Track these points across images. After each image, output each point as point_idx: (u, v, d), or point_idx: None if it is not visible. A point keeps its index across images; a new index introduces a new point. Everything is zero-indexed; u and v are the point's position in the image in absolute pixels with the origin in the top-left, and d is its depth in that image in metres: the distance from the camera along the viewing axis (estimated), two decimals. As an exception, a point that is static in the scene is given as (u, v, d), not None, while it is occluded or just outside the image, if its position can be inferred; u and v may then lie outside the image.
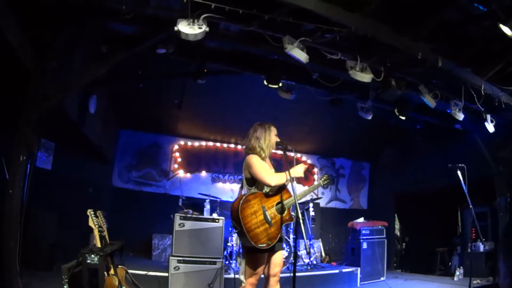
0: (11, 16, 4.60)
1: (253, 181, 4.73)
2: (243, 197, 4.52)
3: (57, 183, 8.26)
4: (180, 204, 9.60)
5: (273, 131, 4.98)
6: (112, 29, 6.09)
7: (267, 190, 4.73)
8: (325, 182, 5.36)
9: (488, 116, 8.10)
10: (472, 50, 6.62)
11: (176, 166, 12.08)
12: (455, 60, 6.52)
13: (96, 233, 5.18)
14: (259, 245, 4.39)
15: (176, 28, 4.99)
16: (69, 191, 8.57)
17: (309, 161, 13.65)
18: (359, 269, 9.51)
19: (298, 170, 4.74)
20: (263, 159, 4.84)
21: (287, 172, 4.62)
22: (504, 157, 9.20)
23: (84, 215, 5.20)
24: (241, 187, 4.88)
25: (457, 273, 9.88)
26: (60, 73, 5.55)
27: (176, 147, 12.18)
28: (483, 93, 7.12)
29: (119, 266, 5.89)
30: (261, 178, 4.59)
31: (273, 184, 4.55)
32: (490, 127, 8.18)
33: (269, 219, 4.53)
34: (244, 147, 5.10)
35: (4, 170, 5.23)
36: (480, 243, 9.61)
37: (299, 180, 11.90)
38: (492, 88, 7.31)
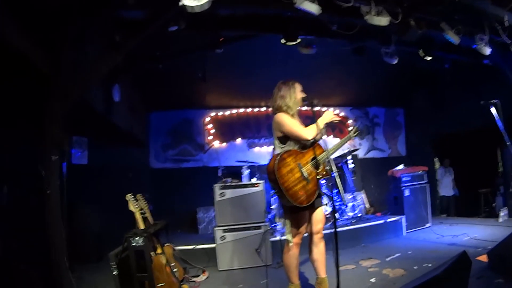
0: (16, 23, 4.61)
1: (285, 139, 4.72)
2: (278, 156, 4.49)
3: (95, 175, 8.44)
4: (219, 174, 9.66)
5: (298, 87, 4.95)
6: (121, 17, 6.05)
7: (299, 147, 4.71)
8: (355, 134, 5.27)
9: (516, 48, 7.84)
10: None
11: (210, 138, 12.17)
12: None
13: (138, 216, 5.26)
14: (299, 203, 4.40)
15: (180, 3, 4.95)
16: (108, 181, 8.72)
17: (342, 114, 13.53)
18: (403, 217, 9.47)
19: (326, 117, 4.70)
20: (291, 116, 4.83)
21: (316, 123, 4.60)
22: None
23: (126, 202, 5.29)
24: (274, 148, 4.86)
25: (502, 213, 9.72)
26: (76, 67, 5.58)
27: (207, 119, 12.24)
28: (506, 24, 6.87)
29: (166, 244, 6.01)
30: (296, 133, 4.59)
31: (310, 137, 4.55)
32: (519, 58, 7.92)
33: (306, 176, 4.52)
34: (270, 107, 5.07)
35: (41, 173, 5.31)
36: (524, 182, 9.39)
37: (335, 134, 11.86)
38: (515, 18, 7.05)
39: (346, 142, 5.24)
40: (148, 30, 5.86)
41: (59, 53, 5.33)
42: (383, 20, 5.98)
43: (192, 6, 4.94)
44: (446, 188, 12.13)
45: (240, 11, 6.73)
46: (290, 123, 4.64)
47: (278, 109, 4.84)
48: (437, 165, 13.10)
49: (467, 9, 6.49)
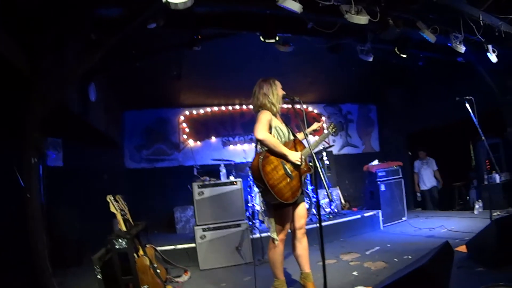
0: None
1: None
2: (261, 154, 4.50)
3: (71, 177, 8.29)
4: (195, 173, 9.63)
5: (278, 85, 4.98)
6: (99, 15, 5.97)
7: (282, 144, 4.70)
8: (333, 130, 5.38)
9: (490, 47, 8.03)
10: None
11: (185, 136, 12.11)
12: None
13: (119, 217, 5.22)
14: (285, 200, 4.42)
15: (164, 0, 4.91)
16: (85, 183, 8.63)
17: (315, 111, 13.69)
18: (380, 211, 9.64)
19: (291, 156, 4.61)
20: (274, 114, 4.87)
21: (288, 151, 4.58)
22: (511, 86, 9.12)
23: (104, 203, 5.23)
24: (256, 146, 4.84)
25: (477, 206, 9.99)
26: (55, 70, 5.50)
27: (182, 118, 12.17)
28: (482, 23, 7.03)
29: (147, 246, 5.97)
30: (254, 128, 4.56)
31: (259, 137, 4.49)
32: (493, 57, 8.12)
33: (289, 173, 4.55)
34: (252, 106, 5.04)
35: (18, 177, 5.23)
36: (496, 175, 9.64)
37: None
38: (490, 18, 7.23)
39: (325, 138, 5.28)
40: (127, 27, 5.80)
41: (39, 56, 5.26)
42: (362, 19, 6.04)
43: (175, 3, 4.92)
44: (425, 180, 12.20)
45: (219, 8, 6.70)
46: (261, 120, 4.63)
47: (262, 107, 4.83)
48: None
49: (443, 9, 6.63)
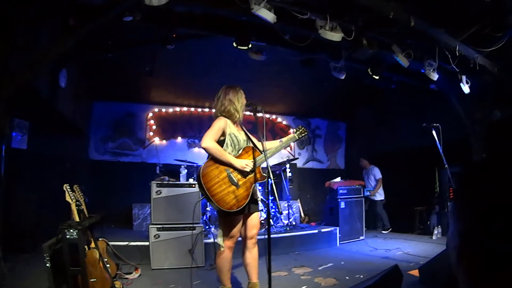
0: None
1: (221, 143, 4.69)
2: (205, 163, 4.52)
3: (33, 162, 8.19)
4: (157, 171, 9.59)
5: (243, 93, 4.99)
6: (78, 1, 5.91)
7: (235, 153, 4.71)
8: (301, 134, 5.27)
9: (464, 77, 8.18)
10: (447, 11, 6.60)
11: (151, 134, 12.06)
12: (428, 20, 6.50)
13: (73, 207, 5.13)
14: (228, 208, 4.41)
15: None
16: (46, 169, 8.49)
17: (284, 122, 13.77)
18: (338, 228, 9.67)
19: (237, 163, 4.58)
20: (235, 122, 4.90)
21: (233, 159, 4.56)
22: (480, 118, 9.30)
23: (64, 192, 5.15)
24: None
25: (435, 231, 10.16)
26: (27, 51, 5.43)
27: (150, 114, 12.13)
28: (457, 54, 7.16)
29: (100, 239, 5.91)
30: (204, 135, 4.55)
31: (203, 145, 4.47)
32: (466, 88, 8.28)
33: (235, 181, 4.53)
34: (214, 110, 5.02)
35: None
36: (457, 203, 9.75)
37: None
38: (467, 49, 7.35)
39: (289, 143, 5.25)
40: (104, 17, 5.73)
41: (12, 34, 5.16)
42: (335, 36, 6.10)
43: (150, -1, 4.90)
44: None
45: (197, 9, 6.69)
46: (214, 127, 4.64)
47: (225, 112, 4.83)
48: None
49: (421, 35, 6.72)
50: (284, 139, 5.17)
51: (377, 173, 11.87)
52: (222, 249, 4.73)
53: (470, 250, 0.90)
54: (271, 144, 4.99)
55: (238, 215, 4.64)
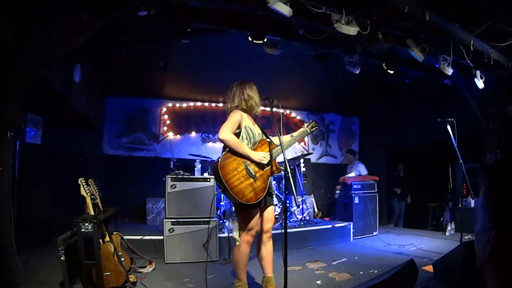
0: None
1: (238, 136, 4.69)
2: (222, 155, 4.52)
3: (47, 157, 8.25)
4: (171, 166, 9.60)
5: (256, 88, 5.02)
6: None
7: (250, 146, 4.72)
8: (313, 128, 5.28)
9: (478, 72, 8.09)
10: (461, 6, 6.54)
11: (165, 128, 12.08)
12: (443, 15, 6.45)
13: (88, 201, 5.15)
14: (246, 201, 4.40)
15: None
16: (60, 164, 8.56)
17: (298, 117, 13.74)
18: (351, 224, 9.65)
19: (255, 155, 4.59)
20: (252, 115, 4.96)
21: (250, 151, 4.58)
22: (494, 114, 9.21)
23: (77, 186, 5.17)
24: (224, 146, 4.78)
25: (449, 228, 10.09)
26: (41, 46, 5.43)
27: (164, 109, 12.15)
28: (472, 48, 7.10)
29: (114, 233, 5.92)
30: (221, 128, 4.56)
31: (221, 136, 4.47)
32: (480, 83, 8.19)
33: (253, 173, 4.53)
34: (228, 106, 4.99)
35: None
36: (471, 199, 9.73)
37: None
38: (481, 44, 7.29)
39: (301, 137, 5.25)
40: (118, 12, 5.73)
41: (26, 30, 5.17)
42: (351, 30, 6.07)
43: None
44: None
45: (212, 4, 6.68)
46: (231, 120, 4.65)
47: (247, 107, 4.86)
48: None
49: (435, 29, 6.66)
50: (295, 133, 5.18)
51: (362, 169, 11.60)
52: (238, 243, 4.72)
53: (506, 245, 0.88)
54: (283, 139, 4.98)
55: (255, 208, 4.63)
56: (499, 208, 0.94)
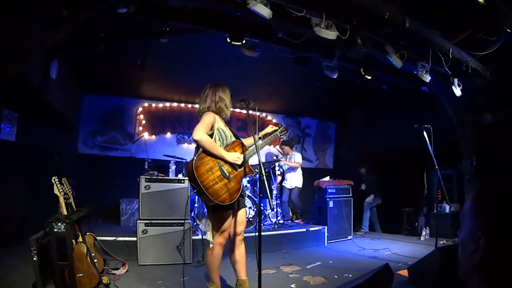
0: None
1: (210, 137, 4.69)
2: (197, 156, 4.52)
3: (22, 154, 8.08)
4: (146, 167, 9.52)
5: (229, 92, 5.07)
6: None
7: (223, 148, 4.71)
8: (283, 133, 5.44)
9: (456, 80, 8.23)
10: (442, 14, 6.61)
11: (140, 128, 12.00)
12: (424, 22, 6.52)
13: (61, 200, 5.08)
14: (221, 201, 4.40)
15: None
16: (34, 162, 8.40)
17: (274, 120, 13.76)
18: (326, 228, 9.69)
19: (229, 156, 4.62)
20: (224, 118, 4.99)
21: (225, 152, 4.60)
22: (470, 121, 9.35)
23: (51, 185, 5.09)
24: (197, 147, 4.78)
25: (424, 233, 10.21)
26: (19, 40, 5.34)
27: (140, 109, 12.07)
28: (451, 56, 7.20)
29: (87, 233, 5.83)
30: (195, 128, 4.55)
31: (195, 137, 4.47)
32: (457, 91, 8.33)
33: (227, 174, 4.54)
34: (200, 107, 4.99)
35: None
36: (446, 205, 9.86)
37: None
38: (460, 52, 7.39)
39: (272, 140, 5.27)
40: (98, 8, 5.67)
41: (4, 22, 5.08)
42: (330, 34, 6.09)
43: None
44: (287, 177, 11.56)
45: (192, 3, 6.64)
46: (205, 122, 4.64)
47: (216, 109, 4.87)
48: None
49: (415, 37, 6.73)
50: (263, 133, 5.27)
51: (298, 157, 11.41)
52: (211, 245, 4.70)
53: (497, 254, 0.86)
54: (252, 141, 4.99)
55: (229, 209, 4.64)
56: (491, 215, 0.93)
